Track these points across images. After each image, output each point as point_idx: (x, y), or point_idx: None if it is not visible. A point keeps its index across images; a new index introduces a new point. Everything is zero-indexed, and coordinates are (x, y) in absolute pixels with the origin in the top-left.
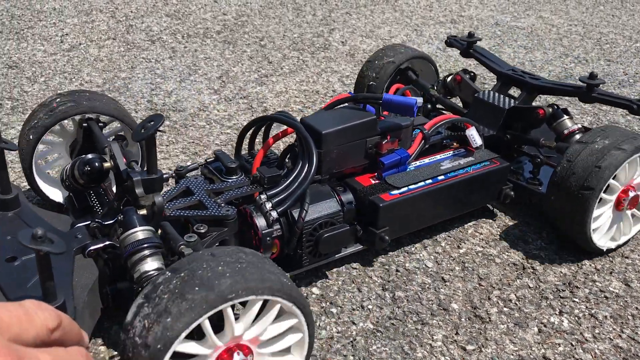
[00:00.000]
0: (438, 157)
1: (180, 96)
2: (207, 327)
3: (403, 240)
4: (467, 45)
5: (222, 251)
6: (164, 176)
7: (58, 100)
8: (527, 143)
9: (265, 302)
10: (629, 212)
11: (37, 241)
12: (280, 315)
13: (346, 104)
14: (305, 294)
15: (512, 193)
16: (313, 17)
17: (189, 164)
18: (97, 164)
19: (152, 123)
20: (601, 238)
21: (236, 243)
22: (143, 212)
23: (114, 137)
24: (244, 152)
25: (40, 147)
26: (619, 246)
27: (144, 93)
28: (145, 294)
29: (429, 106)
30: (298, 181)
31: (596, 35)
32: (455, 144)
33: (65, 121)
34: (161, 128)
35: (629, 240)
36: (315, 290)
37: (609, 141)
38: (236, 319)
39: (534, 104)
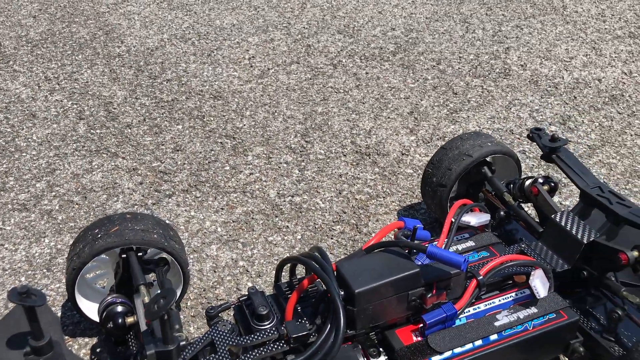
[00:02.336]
0: (496, 301)
1: (380, 136)
2: None
3: None
4: (549, 150)
5: None
6: (181, 344)
7: (98, 232)
8: (606, 288)
9: None
10: None
11: (21, 297)
12: None
13: (387, 248)
14: None
15: (582, 349)
16: (484, 33)
17: (221, 302)
18: (120, 321)
19: (163, 301)
20: None
21: None
22: None
23: (157, 258)
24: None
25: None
26: None
27: (345, 132)
28: None
29: (502, 214)
30: (323, 352)
31: None
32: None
33: None
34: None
35: None
36: None
37: None
38: None
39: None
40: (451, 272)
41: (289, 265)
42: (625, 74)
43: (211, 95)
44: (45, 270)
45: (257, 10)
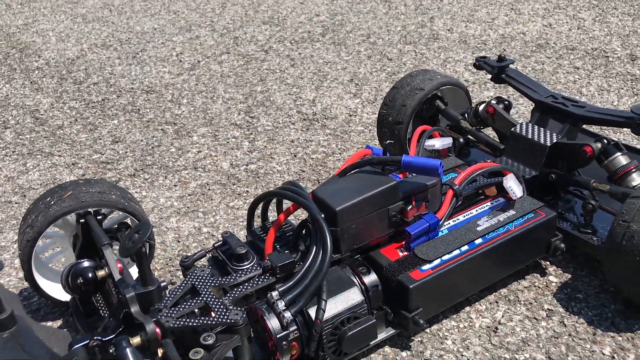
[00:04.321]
0: (474, 212)
1: (325, 103)
2: None
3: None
4: (498, 70)
5: None
6: (162, 285)
7: (50, 200)
8: (575, 185)
9: None
10: None
11: None
12: None
13: (362, 169)
14: None
15: (563, 245)
16: (406, 8)
17: (194, 251)
18: (90, 275)
19: (138, 234)
20: None
21: (252, 347)
22: (137, 339)
23: (116, 225)
24: (257, 224)
25: (41, 242)
26: None
27: (289, 104)
28: None
29: (462, 140)
30: (312, 272)
31: None
32: (492, 190)
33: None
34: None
35: None
36: None
37: None
38: None
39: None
40: (427, 183)
41: (259, 210)
42: (546, 26)
43: (143, 91)
44: None
45: (177, 14)
